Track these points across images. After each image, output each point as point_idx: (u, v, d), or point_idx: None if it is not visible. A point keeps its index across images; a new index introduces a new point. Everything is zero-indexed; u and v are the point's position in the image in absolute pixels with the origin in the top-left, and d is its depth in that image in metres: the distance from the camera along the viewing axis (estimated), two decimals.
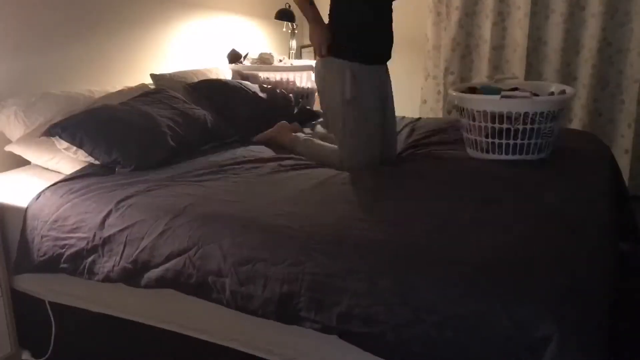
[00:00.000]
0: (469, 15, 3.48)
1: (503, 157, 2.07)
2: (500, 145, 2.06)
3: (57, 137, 1.96)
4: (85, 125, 1.97)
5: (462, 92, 2.21)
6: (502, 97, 2.01)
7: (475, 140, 2.12)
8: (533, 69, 3.37)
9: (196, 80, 2.76)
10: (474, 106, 2.08)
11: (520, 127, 2.00)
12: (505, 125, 2.02)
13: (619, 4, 3.12)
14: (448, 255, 1.33)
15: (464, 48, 3.54)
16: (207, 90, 2.61)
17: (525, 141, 2.03)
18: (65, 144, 1.97)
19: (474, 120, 2.08)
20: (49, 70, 2.35)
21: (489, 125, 2.05)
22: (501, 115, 2.02)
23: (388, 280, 1.29)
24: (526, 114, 1.99)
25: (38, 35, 2.29)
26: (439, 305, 1.23)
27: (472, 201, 1.66)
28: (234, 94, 2.61)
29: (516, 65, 3.38)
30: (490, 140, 2.07)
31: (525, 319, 1.17)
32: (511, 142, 2.04)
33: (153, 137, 2.05)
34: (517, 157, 2.06)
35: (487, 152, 2.10)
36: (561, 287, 1.21)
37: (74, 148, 1.97)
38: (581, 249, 1.38)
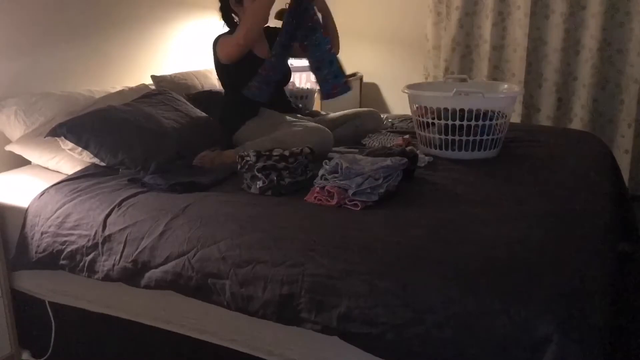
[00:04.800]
0: (469, 15, 3.49)
1: (456, 153, 2.11)
2: (453, 141, 2.10)
3: (62, 137, 1.96)
4: (91, 126, 1.97)
5: None
6: (455, 94, 2.05)
7: (428, 137, 2.16)
8: (533, 69, 3.37)
9: (197, 81, 2.76)
10: (428, 103, 2.11)
11: (473, 123, 2.05)
12: (457, 122, 2.06)
13: (619, 4, 3.12)
14: (448, 255, 1.33)
15: (464, 48, 3.54)
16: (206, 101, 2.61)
17: (477, 137, 2.07)
18: (70, 145, 1.97)
19: (427, 117, 2.14)
20: (49, 70, 2.35)
21: (442, 122, 2.09)
22: (454, 112, 2.06)
23: (388, 281, 1.29)
24: (478, 110, 2.04)
25: (38, 35, 2.30)
26: (439, 306, 1.23)
27: (470, 201, 1.66)
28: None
29: (516, 65, 3.38)
30: (443, 137, 2.10)
31: (525, 319, 1.17)
32: (464, 138, 2.08)
33: (158, 139, 2.04)
34: (469, 153, 2.10)
35: (440, 148, 2.14)
36: (561, 287, 1.21)
37: (79, 149, 1.96)
38: (581, 249, 1.38)
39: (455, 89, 2.06)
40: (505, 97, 2.12)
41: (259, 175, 1.74)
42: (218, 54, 2.33)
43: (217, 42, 2.36)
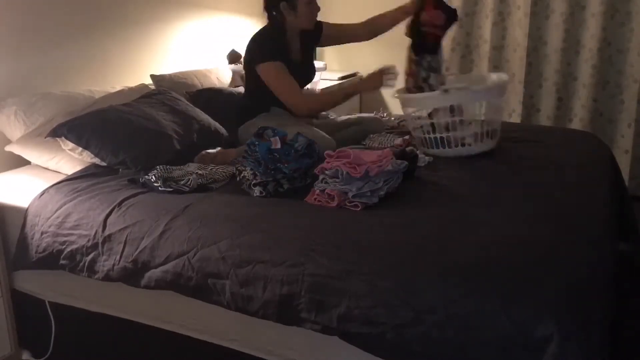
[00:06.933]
0: (469, 15, 3.48)
1: (454, 150, 2.11)
2: (449, 138, 2.10)
3: (63, 137, 1.95)
4: (91, 126, 1.96)
5: None
6: (442, 92, 2.06)
7: (423, 137, 2.17)
8: (533, 69, 3.37)
9: (196, 80, 2.76)
10: (417, 105, 2.14)
11: (458, 118, 2.06)
12: (450, 119, 2.07)
13: (619, 4, 3.11)
14: (448, 255, 1.33)
15: (464, 48, 3.53)
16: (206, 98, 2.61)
17: (475, 132, 2.08)
18: (70, 145, 1.96)
19: (419, 117, 2.15)
20: (49, 70, 2.35)
21: (434, 121, 2.10)
22: (445, 110, 2.08)
23: (388, 281, 1.29)
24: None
25: (38, 35, 2.29)
26: (440, 306, 1.24)
27: (470, 201, 1.66)
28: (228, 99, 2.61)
29: (516, 64, 3.38)
30: (439, 135, 2.11)
31: (525, 319, 1.17)
32: (458, 134, 2.08)
33: (159, 139, 2.04)
34: (466, 149, 2.10)
35: (438, 147, 2.14)
36: (561, 287, 1.22)
37: (79, 149, 1.96)
38: (581, 249, 1.38)
39: (441, 87, 2.07)
40: (494, 87, 2.14)
41: (256, 188, 1.74)
42: (259, 71, 2.26)
43: (259, 55, 2.27)
